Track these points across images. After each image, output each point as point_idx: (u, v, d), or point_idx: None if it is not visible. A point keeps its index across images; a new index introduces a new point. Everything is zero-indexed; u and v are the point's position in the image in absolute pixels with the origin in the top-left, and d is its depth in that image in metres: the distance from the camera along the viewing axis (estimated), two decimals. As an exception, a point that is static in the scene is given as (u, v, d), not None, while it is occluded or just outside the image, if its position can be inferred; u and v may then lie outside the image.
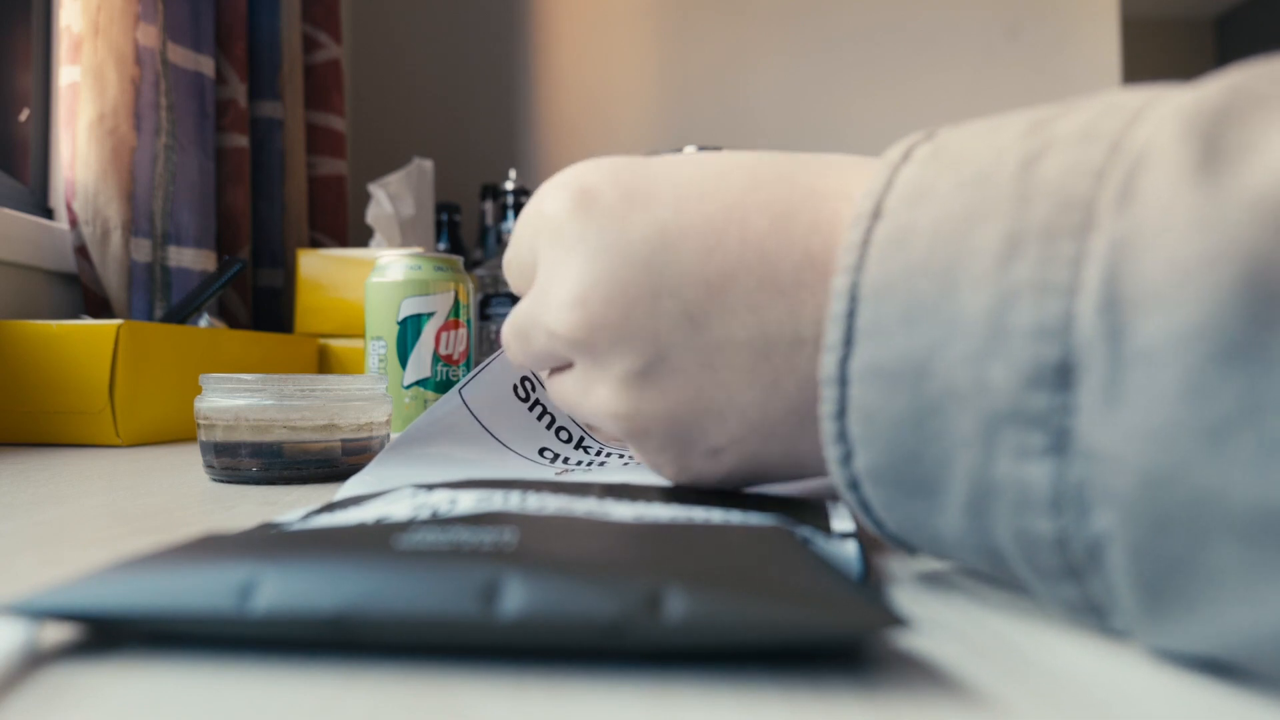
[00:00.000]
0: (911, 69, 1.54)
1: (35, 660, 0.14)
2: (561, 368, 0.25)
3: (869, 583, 0.19)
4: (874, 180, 0.18)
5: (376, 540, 0.16)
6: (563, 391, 0.25)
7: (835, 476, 0.18)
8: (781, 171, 0.21)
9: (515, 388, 0.37)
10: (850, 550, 0.19)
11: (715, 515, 0.20)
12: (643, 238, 0.21)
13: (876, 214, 0.17)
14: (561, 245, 0.22)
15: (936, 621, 0.17)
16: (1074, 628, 0.16)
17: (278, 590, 0.14)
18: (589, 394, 0.23)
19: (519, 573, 0.14)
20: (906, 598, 0.19)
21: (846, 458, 0.18)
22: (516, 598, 0.14)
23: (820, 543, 0.19)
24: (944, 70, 1.54)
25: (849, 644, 0.15)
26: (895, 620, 0.13)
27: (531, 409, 0.38)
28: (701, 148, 1.14)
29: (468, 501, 0.21)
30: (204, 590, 0.14)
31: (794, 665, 0.14)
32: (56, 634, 0.16)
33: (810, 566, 0.15)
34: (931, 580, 0.20)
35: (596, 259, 0.21)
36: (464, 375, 0.59)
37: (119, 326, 0.56)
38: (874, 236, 0.17)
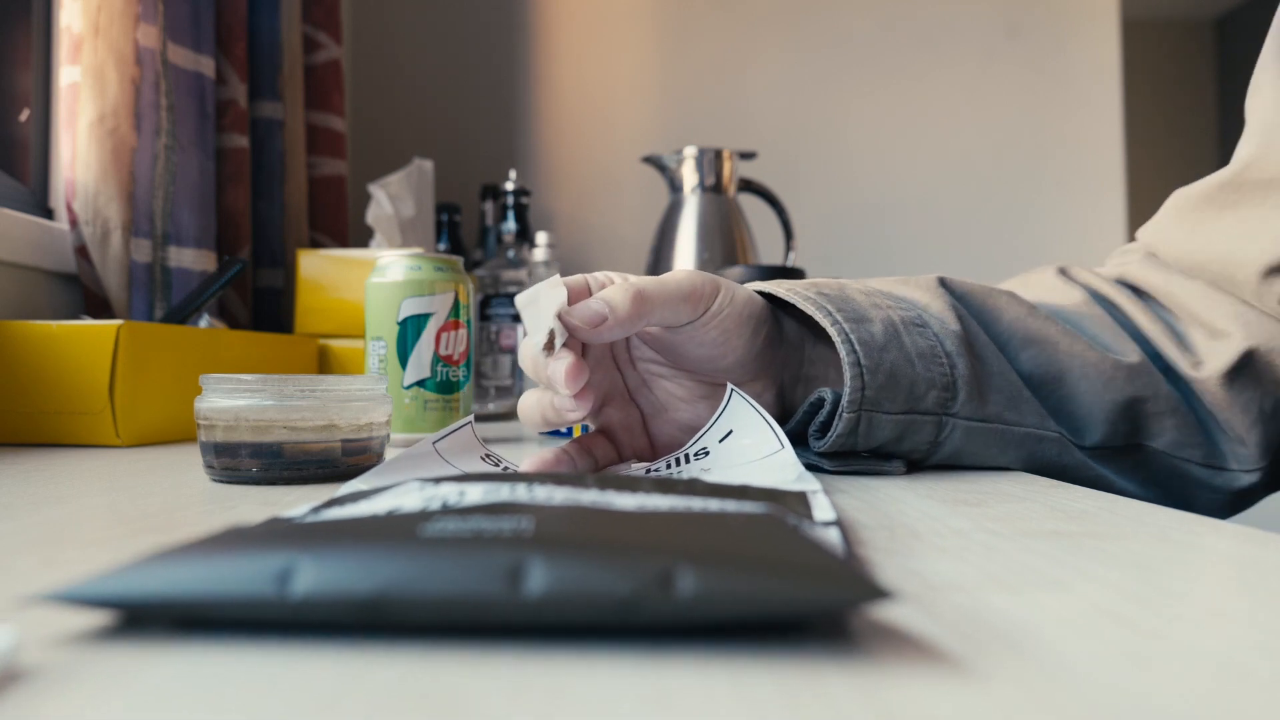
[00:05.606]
0: (911, 69, 1.54)
1: (13, 671, 0.14)
2: None
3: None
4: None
5: (403, 529, 0.17)
6: None
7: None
8: None
9: (484, 458, 0.38)
10: (833, 537, 0.21)
11: (712, 505, 0.21)
12: None
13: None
14: None
15: (913, 600, 0.18)
16: (1052, 609, 0.17)
17: (315, 575, 0.15)
18: None
19: (541, 556, 0.15)
20: (887, 579, 0.20)
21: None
22: (539, 578, 0.15)
23: (807, 529, 0.20)
24: (944, 70, 1.54)
25: (846, 612, 0.17)
26: (884, 592, 0.15)
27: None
28: (701, 149, 1.14)
29: (475, 494, 0.21)
30: (244, 576, 0.15)
31: (781, 641, 0.15)
32: (83, 621, 0.16)
33: (805, 546, 0.17)
34: (910, 568, 0.21)
35: None
36: (464, 376, 0.59)
37: (119, 327, 0.56)
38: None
